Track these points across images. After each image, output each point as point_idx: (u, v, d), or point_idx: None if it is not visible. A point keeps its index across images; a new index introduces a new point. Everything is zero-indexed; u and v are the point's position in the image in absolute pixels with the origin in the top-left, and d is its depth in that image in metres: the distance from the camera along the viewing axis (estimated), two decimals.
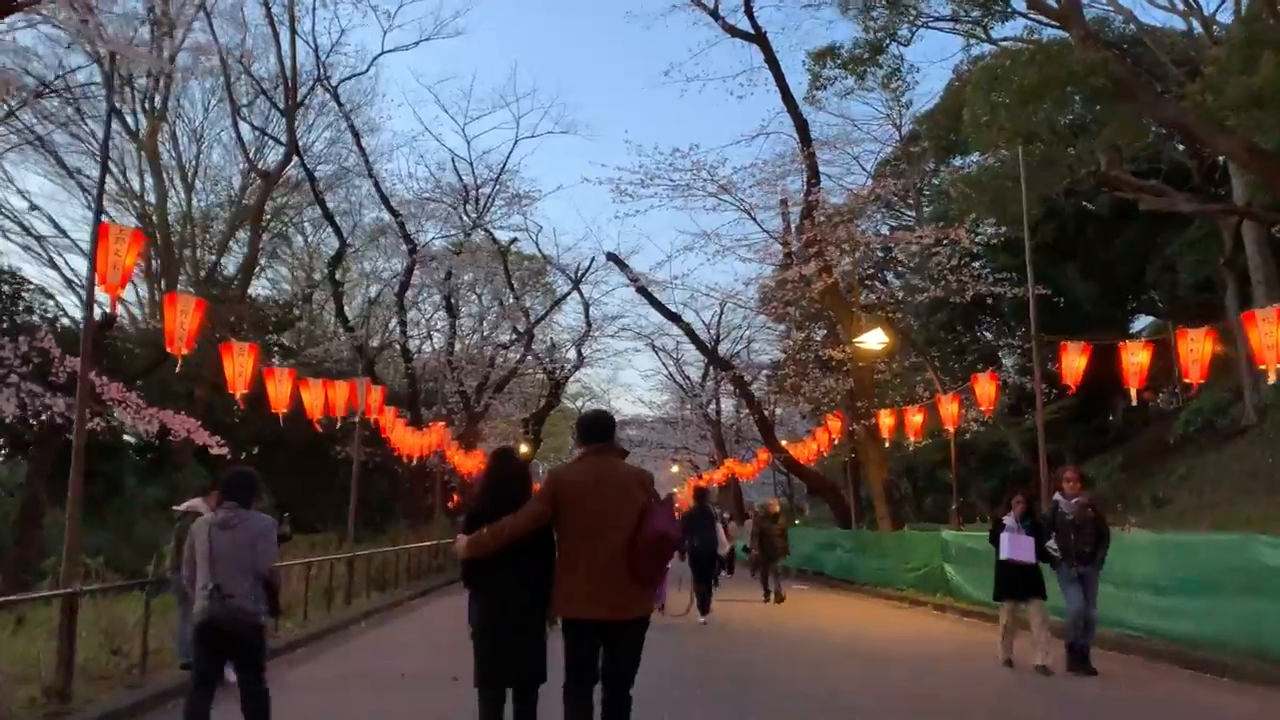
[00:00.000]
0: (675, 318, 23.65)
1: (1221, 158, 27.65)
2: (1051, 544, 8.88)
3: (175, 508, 9.10)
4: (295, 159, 25.87)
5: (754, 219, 20.13)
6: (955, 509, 16.69)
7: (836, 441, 21.41)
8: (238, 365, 10.99)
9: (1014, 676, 8.91)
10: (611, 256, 24.22)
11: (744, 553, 20.93)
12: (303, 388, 13.96)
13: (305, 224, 35.31)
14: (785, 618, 14.44)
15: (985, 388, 14.60)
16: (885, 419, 18.26)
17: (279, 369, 12.92)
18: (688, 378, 45.25)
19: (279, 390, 12.72)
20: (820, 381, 20.87)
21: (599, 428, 4.95)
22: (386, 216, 28.64)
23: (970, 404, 16.67)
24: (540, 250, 32.76)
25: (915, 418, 17.28)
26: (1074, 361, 12.18)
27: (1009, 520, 9.13)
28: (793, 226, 21.72)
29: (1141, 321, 34.44)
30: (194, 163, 30.21)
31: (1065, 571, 8.86)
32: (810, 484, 23.00)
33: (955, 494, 16.84)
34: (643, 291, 23.44)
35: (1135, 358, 11.13)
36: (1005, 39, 24.10)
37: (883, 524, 19.68)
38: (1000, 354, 32.37)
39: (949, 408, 15.63)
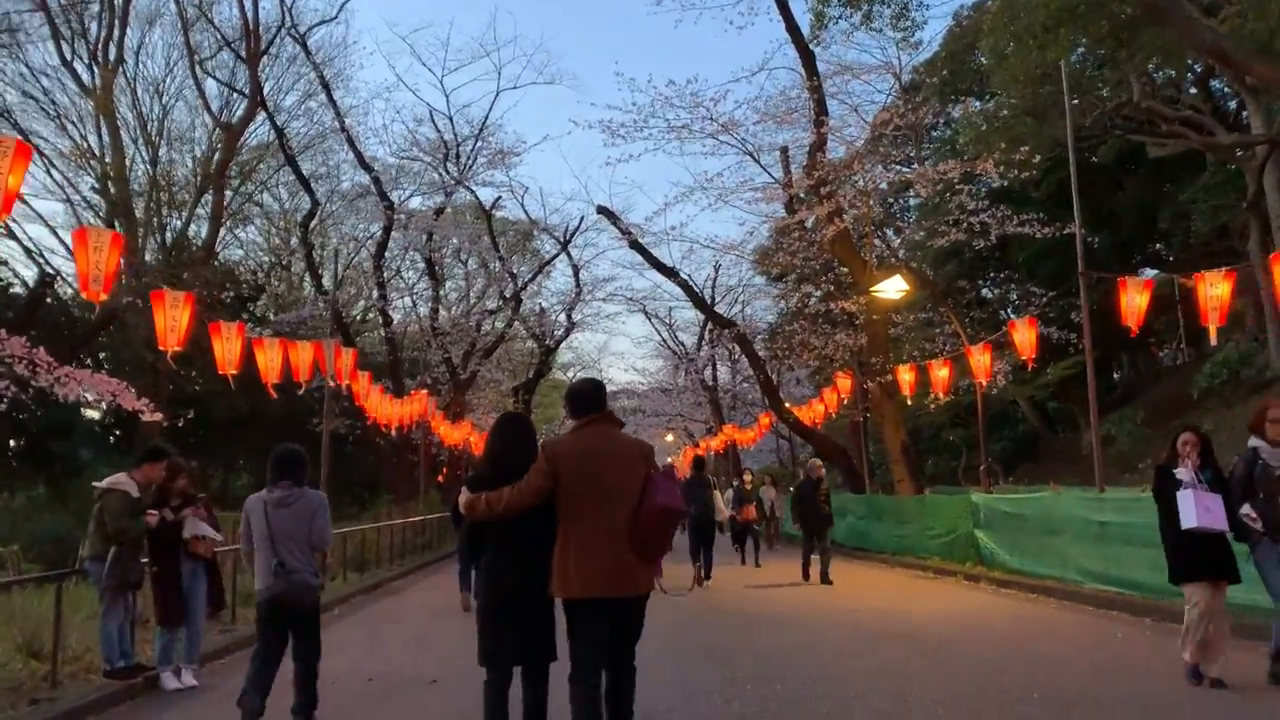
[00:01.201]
0: (671, 273, 22.18)
1: (1235, 101, 26.50)
2: (1247, 510, 6.26)
3: (95, 484, 7.66)
4: (263, 114, 24.23)
5: (757, 161, 18.63)
6: (984, 469, 15.33)
7: (846, 401, 20.04)
8: (170, 319, 9.43)
9: (1172, 687, 6.48)
10: (603, 210, 22.69)
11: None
12: (256, 347, 12.37)
13: (280, 189, 33.59)
14: (802, 595, 13.11)
15: (1025, 335, 13.16)
16: (905, 374, 16.86)
17: (226, 323, 11.25)
18: (681, 344, 44.08)
19: (227, 349, 11.10)
20: (831, 336, 19.43)
21: (592, 397, 4.72)
22: (365, 179, 27.04)
23: (1000, 356, 15.29)
24: (527, 212, 31.30)
25: (941, 372, 15.86)
26: (1134, 300, 10.77)
27: (1183, 472, 6.40)
28: (794, 174, 20.27)
29: (1148, 275, 33.27)
30: (157, 121, 28.48)
31: (1270, 547, 6.24)
32: (818, 447, 21.65)
33: (984, 454, 15.46)
34: (636, 246, 21.95)
35: (1215, 290, 9.69)
36: None
37: (901, 487, 18.37)
38: (1008, 309, 31.18)
39: (980, 359, 14.22)
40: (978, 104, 17.36)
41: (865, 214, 16.94)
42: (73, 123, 26.28)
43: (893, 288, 15.51)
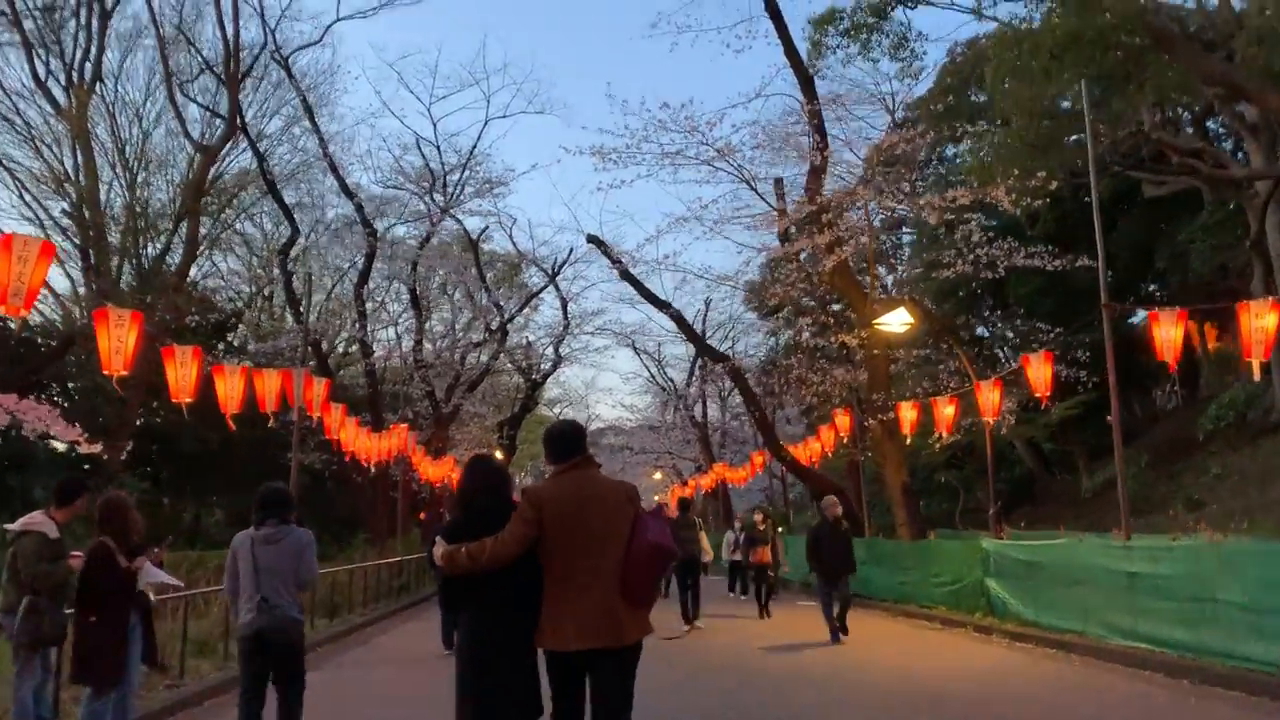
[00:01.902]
0: (664, 305, 21.41)
1: (1232, 138, 26.14)
2: None
3: (8, 527, 6.71)
4: (244, 139, 23.50)
5: (754, 189, 17.93)
6: (994, 514, 14.47)
7: (845, 440, 19.23)
8: (115, 340, 8.55)
9: None
10: (593, 239, 21.96)
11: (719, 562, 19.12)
12: (215, 375, 11.44)
13: (264, 217, 32.76)
14: (803, 648, 12.20)
15: (1040, 371, 12.38)
16: (907, 412, 16.07)
17: (180, 347, 10.33)
18: (670, 380, 43.40)
19: (181, 375, 10.16)
20: (829, 372, 18.66)
21: (573, 441, 4.51)
22: (349, 209, 26.27)
23: (1007, 394, 14.53)
24: (515, 244, 30.63)
25: (946, 409, 15.07)
26: (1169, 333, 10.00)
27: None
28: (790, 206, 19.64)
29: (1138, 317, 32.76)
30: (136, 146, 27.72)
31: None
32: (814, 488, 20.77)
33: (992, 497, 14.62)
34: (627, 276, 21.21)
35: (1261, 321, 8.96)
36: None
37: (903, 531, 17.51)
38: (1005, 347, 30.53)
39: (989, 396, 13.45)
40: (984, 125, 16.70)
41: (868, 244, 16.23)
42: (47, 145, 25.52)
43: (897, 320, 14.77)
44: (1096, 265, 11.29)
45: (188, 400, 10.65)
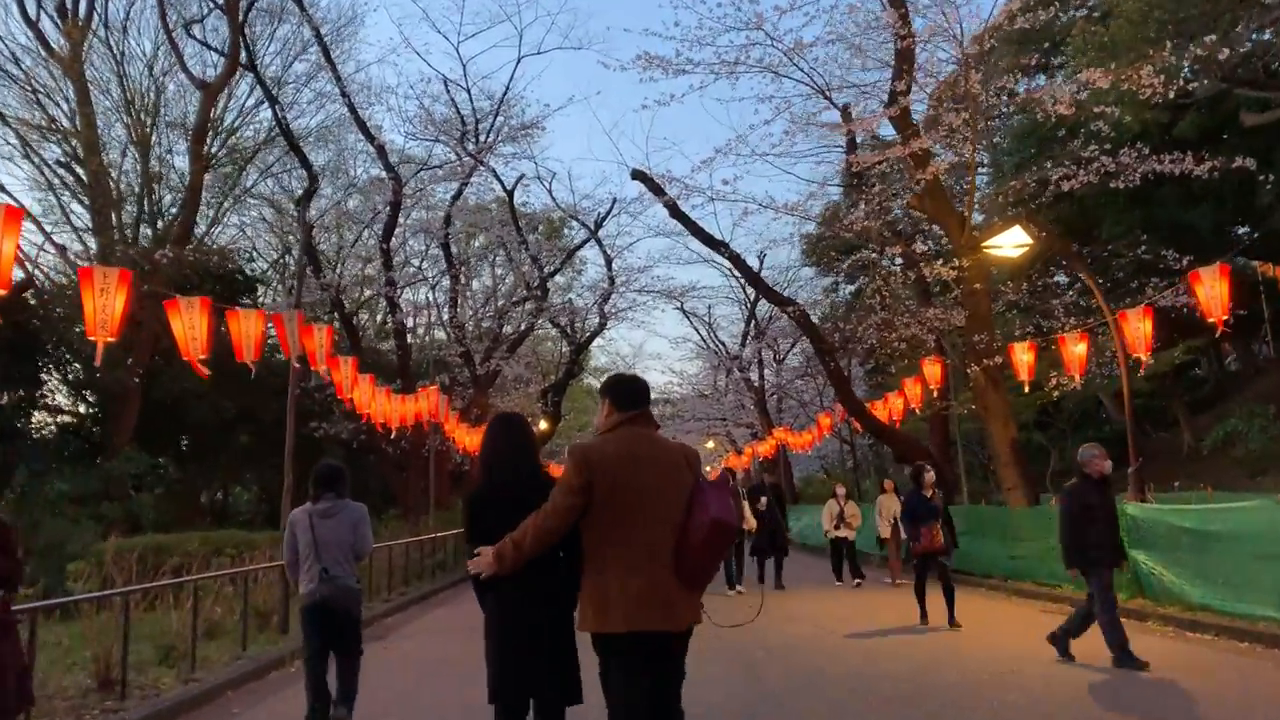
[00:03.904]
0: (719, 244, 18.89)
1: None
2: None
3: None
4: (255, 82, 21.36)
5: (828, 98, 15.21)
6: (1134, 471, 11.85)
7: (936, 392, 16.65)
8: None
9: None
10: (638, 174, 19.42)
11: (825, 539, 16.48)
12: (171, 311, 9.43)
13: (292, 179, 30.71)
14: (920, 643, 9.82)
15: (1213, 288, 9.54)
16: (1022, 354, 13.44)
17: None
18: (722, 344, 41.02)
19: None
20: (917, 315, 16.05)
21: (640, 391, 4.00)
22: (379, 170, 24.09)
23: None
24: (554, 198, 28.38)
25: (1076, 347, 12.40)
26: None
27: None
28: (857, 141, 17.01)
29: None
30: (150, 100, 25.78)
31: None
32: (899, 451, 18.23)
33: (1132, 453, 11.92)
34: (677, 214, 18.71)
35: None
36: None
37: (1012, 496, 14.93)
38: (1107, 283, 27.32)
39: (1138, 327, 10.79)
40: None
41: (970, 150, 13.44)
42: (41, 90, 23.67)
43: (1010, 241, 12.11)
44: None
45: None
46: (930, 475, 10.64)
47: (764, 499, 15.02)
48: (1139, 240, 15.53)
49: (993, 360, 14.33)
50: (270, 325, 11.46)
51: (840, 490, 16.43)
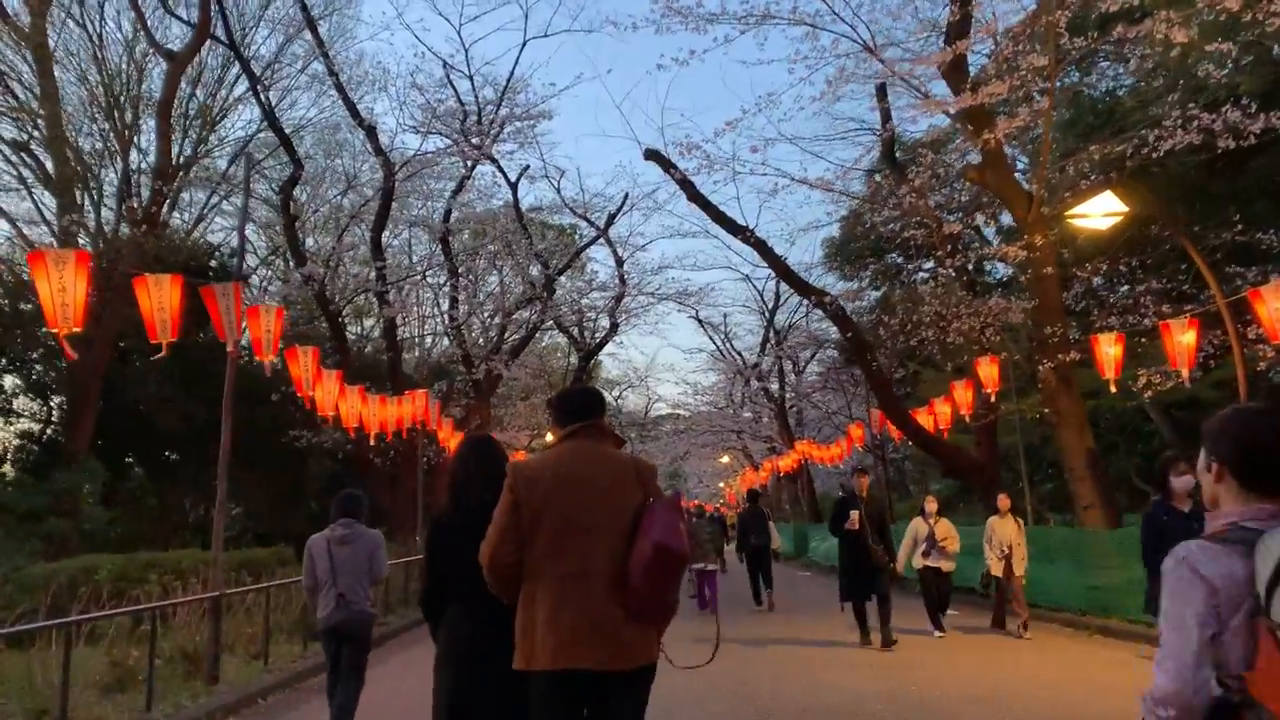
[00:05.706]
0: (741, 229, 16.86)
1: None
2: None
3: None
4: (227, 53, 19.52)
5: (872, 51, 13.14)
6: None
7: (994, 395, 14.54)
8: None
9: None
10: (651, 154, 17.48)
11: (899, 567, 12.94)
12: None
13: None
14: (980, 691, 7.79)
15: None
16: (1108, 347, 11.34)
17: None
18: (739, 353, 39.18)
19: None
20: (978, 309, 13.94)
21: (580, 403, 3.58)
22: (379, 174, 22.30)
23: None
24: (561, 196, 26.43)
25: (1184, 336, 10.27)
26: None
27: None
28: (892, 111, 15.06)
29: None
30: (130, 83, 24.05)
31: None
32: (947, 463, 16.17)
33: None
34: (697, 198, 16.75)
35: None
36: None
37: (1089, 515, 12.81)
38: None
39: (1275, 306, 8.72)
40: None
41: (1046, 111, 11.30)
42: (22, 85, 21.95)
43: (1100, 210, 10.06)
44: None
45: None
46: (1186, 479, 6.31)
47: (854, 513, 10.72)
48: (1233, 221, 13.40)
49: (1067, 355, 12.25)
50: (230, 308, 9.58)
51: (930, 506, 12.30)
